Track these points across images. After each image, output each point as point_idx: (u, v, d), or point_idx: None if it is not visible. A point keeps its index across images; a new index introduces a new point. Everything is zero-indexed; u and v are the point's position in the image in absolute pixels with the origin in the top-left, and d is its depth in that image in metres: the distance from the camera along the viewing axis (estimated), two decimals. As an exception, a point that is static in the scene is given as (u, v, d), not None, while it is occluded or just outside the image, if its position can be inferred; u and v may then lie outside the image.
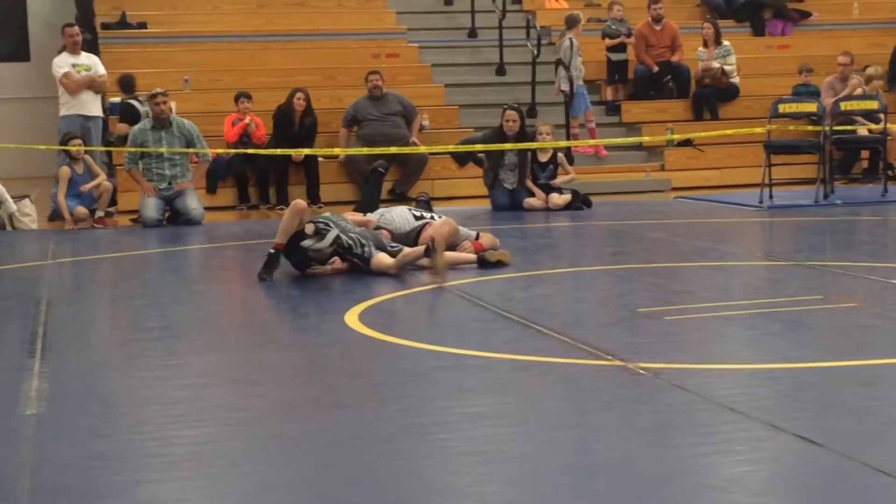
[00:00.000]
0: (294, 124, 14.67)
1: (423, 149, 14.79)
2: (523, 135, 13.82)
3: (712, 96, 16.95)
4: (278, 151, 14.03)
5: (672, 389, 5.35)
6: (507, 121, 13.76)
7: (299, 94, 14.65)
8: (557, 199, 13.54)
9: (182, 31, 17.59)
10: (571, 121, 16.04)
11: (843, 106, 14.30)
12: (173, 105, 13.72)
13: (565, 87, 15.96)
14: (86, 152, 13.33)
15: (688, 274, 9.06)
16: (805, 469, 4.31)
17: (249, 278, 8.79)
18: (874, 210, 12.96)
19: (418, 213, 9.86)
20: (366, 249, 8.78)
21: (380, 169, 14.41)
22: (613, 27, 17.14)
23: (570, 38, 16.19)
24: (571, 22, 16.40)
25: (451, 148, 14.83)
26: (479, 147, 14.08)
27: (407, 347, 6.45)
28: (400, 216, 9.73)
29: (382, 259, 8.74)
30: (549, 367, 5.90)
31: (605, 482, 4.24)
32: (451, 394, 5.49)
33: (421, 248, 8.66)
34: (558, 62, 16.16)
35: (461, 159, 14.87)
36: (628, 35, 17.12)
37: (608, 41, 17.03)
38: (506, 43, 17.63)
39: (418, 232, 9.52)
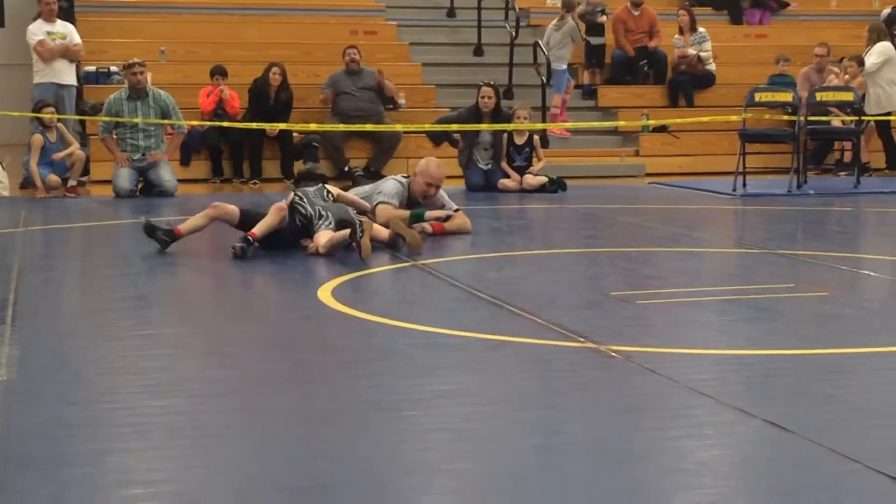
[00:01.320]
0: (269, 99, 14.63)
1: (398, 127, 14.78)
2: (499, 112, 13.85)
3: (688, 83, 17.00)
4: (253, 125, 14.00)
5: (643, 372, 5.37)
6: (483, 97, 13.78)
7: (275, 69, 14.61)
8: (532, 180, 13.56)
9: (159, 2, 17.51)
10: (554, 98, 16.10)
11: (819, 96, 14.35)
12: (149, 76, 13.64)
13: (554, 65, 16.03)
14: (59, 121, 13.25)
15: (660, 259, 9.08)
16: (774, 454, 4.33)
17: (222, 251, 8.77)
18: (846, 201, 13.03)
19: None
20: (321, 223, 8.73)
21: (314, 143, 14.47)
22: (589, 13, 17.13)
23: (571, 19, 16.19)
24: (571, 5, 16.40)
25: (426, 127, 14.82)
26: (454, 127, 14.07)
27: (379, 324, 6.45)
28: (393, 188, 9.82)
29: (318, 237, 8.69)
30: (522, 348, 5.91)
31: (575, 462, 4.25)
32: (424, 371, 5.49)
33: (346, 232, 8.56)
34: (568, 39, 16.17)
35: (436, 138, 14.86)
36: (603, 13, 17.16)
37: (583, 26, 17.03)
38: (484, 24, 17.63)
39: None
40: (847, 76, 15.71)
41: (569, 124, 15.93)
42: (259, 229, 8.70)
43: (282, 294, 7.85)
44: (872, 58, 15.43)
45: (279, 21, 17.43)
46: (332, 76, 15.19)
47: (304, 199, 8.87)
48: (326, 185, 9.20)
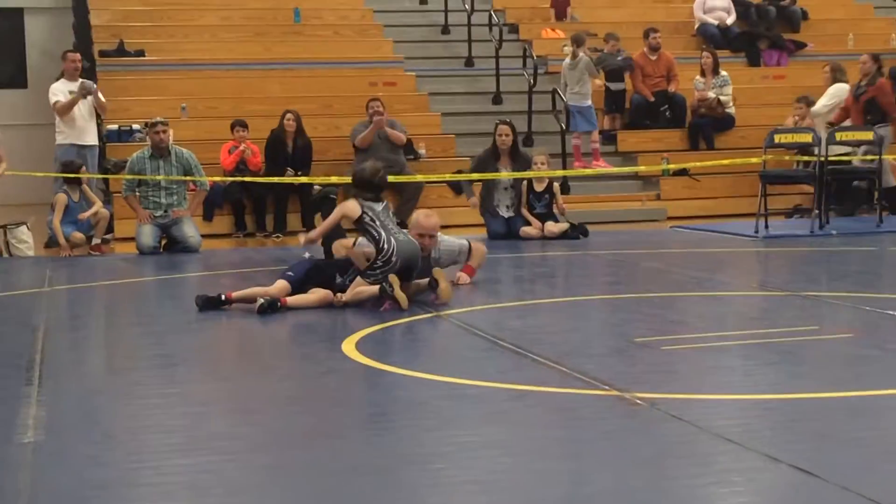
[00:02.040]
0: (287, 147, 14.75)
1: (419, 177, 14.84)
2: (517, 151, 13.96)
3: (708, 126, 17.02)
4: (275, 179, 14.08)
5: (669, 420, 5.37)
6: (500, 135, 13.89)
7: (288, 115, 14.80)
8: (553, 227, 13.58)
9: (180, 59, 17.65)
10: (586, 136, 16.16)
11: (839, 136, 14.36)
12: (171, 133, 13.76)
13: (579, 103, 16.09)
14: (82, 181, 13.35)
15: (684, 304, 9.08)
16: (801, 500, 4.32)
17: (246, 308, 8.79)
18: (868, 241, 12.99)
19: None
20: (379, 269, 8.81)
21: (331, 196, 14.52)
22: (608, 60, 17.17)
23: (584, 55, 16.25)
24: (581, 40, 16.44)
25: (447, 176, 14.88)
26: (475, 176, 14.11)
27: (404, 376, 6.47)
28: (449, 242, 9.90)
29: (355, 287, 8.81)
30: (546, 397, 5.91)
31: (602, 513, 4.25)
32: (448, 423, 5.50)
33: (375, 289, 8.66)
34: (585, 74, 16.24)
35: (458, 188, 14.92)
36: (630, 70, 17.20)
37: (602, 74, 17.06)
38: (502, 72, 17.72)
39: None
40: (796, 117, 15.74)
41: (588, 171, 15.96)
42: (293, 301, 8.72)
43: (307, 348, 7.87)
44: (824, 99, 15.42)
45: (299, 75, 17.56)
46: (356, 127, 15.27)
47: (376, 221, 8.84)
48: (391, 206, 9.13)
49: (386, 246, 8.75)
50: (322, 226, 9.24)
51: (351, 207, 8.92)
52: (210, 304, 8.80)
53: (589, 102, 16.23)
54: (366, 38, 18.92)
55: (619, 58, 17.31)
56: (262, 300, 8.63)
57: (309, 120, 15.36)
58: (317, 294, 8.81)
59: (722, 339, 7.36)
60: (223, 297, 8.84)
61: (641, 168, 16.01)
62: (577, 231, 13.51)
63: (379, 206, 8.98)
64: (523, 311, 8.85)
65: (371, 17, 19.57)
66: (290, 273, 8.98)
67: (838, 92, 15.44)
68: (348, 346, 7.23)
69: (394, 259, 8.73)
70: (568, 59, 16.42)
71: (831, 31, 20.31)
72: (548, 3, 20.17)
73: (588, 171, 15.98)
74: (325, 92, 17.03)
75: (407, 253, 8.83)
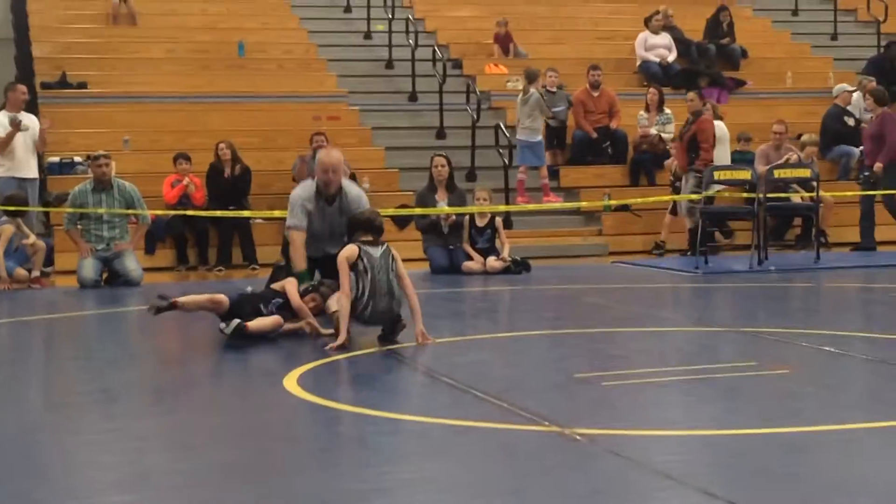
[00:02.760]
0: (223, 176, 14.75)
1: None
2: (452, 182, 14.07)
3: (649, 162, 17.18)
4: (218, 213, 14.05)
5: (608, 456, 5.40)
6: (436, 166, 13.98)
7: (222, 145, 14.85)
8: (495, 262, 13.63)
9: (122, 92, 17.62)
10: (534, 171, 16.25)
11: (777, 174, 14.57)
12: (113, 166, 13.69)
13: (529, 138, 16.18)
14: (20, 214, 13.25)
15: (624, 339, 9.14)
16: (738, 536, 4.36)
17: (188, 341, 8.77)
18: (807, 277, 13.15)
19: None
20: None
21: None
22: (547, 98, 17.28)
23: (535, 91, 16.36)
24: (533, 76, 16.57)
25: (390, 211, 14.88)
26: (418, 211, 14.16)
27: (345, 412, 6.47)
28: None
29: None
30: (487, 433, 5.92)
31: (541, 549, 4.26)
32: (389, 459, 5.50)
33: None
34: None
35: (401, 222, 14.95)
36: (568, 106, 17.35)
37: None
38: (446, 107, 17.81)
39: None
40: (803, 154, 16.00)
41: (531, 206, 16.05)
42: (254, 326, 8.69)
43: (248, 383, 7.84)
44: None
45: (243, 108, 17.57)
46: (297, 161, 15.28)
47: (367, 273, 8.61)
48: (392, 249, 8.89)
49: (362, 303, 8.55)
50: (342, 287, 8.68)
51: (350, 251, 8.65)
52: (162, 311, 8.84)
53: (539, 138, 16.38)
54: (310, 73, 18.97)
55: (563, 96, 17.46)
56: (233, 324, 8.57)
57: (252, 153, 15.38)
58: (273, 322, 8.79)
59: (662, 375, 7.42)
60: (171, 302, 8.84)
61: (583, 204, 16.12)
62: (519, 266, 13.57)
63: (377, 252, 8.70)
64: (465, 347, 8.86)
65: (315, 51, 19.63)
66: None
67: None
68: (289, 382, 7.21)
69: (366, 316, 8.63)
70: (520, 95, 16.54)
71: (770, 70, 20.61)
72: (491, 39, 20.32)
73: (530, 207, 16.07)
74: (269, 125, 17.05)
75: (379, 318, 8.70)
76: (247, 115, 17.40)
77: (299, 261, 9.48)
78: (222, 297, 8.91)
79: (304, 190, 9.81)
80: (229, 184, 14.79)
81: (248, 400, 7.18)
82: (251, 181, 15.04)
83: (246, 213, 14.39)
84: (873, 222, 15.52)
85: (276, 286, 9.29)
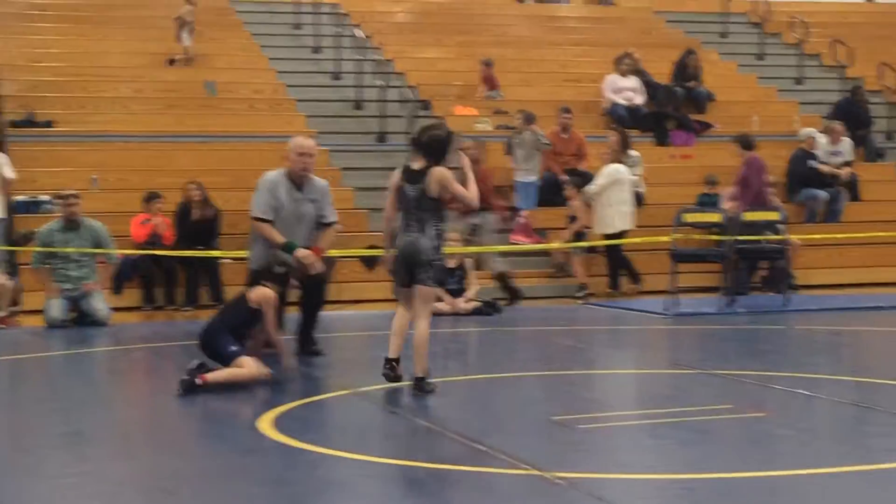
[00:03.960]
0: (193, 217, 14.70)
1: (331, 252, 14.79)
2: None
3: (618, 204, 17.20)
4: (186, 253, 13.98)
5: (590, 499, 5.38)
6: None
7: (192, 186, 14.78)
8: (465, 303, 13.61)
9: (90, 130, 17.53)
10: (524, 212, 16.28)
11: (747, 216, 14.63)
12: (80, 205, 13.61)
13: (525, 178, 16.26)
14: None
15: (599, 382, 9.15)
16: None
17: (158, 382, 8.70)
18: (777, 319, 13.19)
19: None
20: None
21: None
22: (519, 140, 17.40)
23: (528, 131, 16.45)
24: (531, 118, 16.67)
25: (360, 251, 14.89)
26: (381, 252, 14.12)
27: (322, 455, 6.42)
28: None
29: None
30: (465, 476, 5.89)
31: None
32: (367, 502, 5.46)
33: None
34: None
35: (370, 262, 14.92)
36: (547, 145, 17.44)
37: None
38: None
39: None
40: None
41: (501, 247, 16.05)
42: (213, 377, 8.54)
43: (222, 425, 7.77)
44: (600, 179, 15.72)
45: (212, 148, 17.52)
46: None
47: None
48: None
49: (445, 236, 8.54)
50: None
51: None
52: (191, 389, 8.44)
53: (534, 178, 16.44)
54: (279, 113, 18.95)
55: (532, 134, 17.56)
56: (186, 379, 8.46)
57: (221, 193, 15.31)
58: (246, 370, 8.68)
59: (637, 418, 7.42)
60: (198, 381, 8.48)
61: (553, 246, 16.13)
62: (489, 308, 13.56)
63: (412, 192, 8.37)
64: (439, 389, 8.82)
65: (284, 91, 19.62)
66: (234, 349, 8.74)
67: (612, 172, 15.69)
68: (265, 424, 7.16)
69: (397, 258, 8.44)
70: (516, 137, 16.65)
71: (736, 113, 20.73)
72: (460, 81, 20.40)
73: (500, 248, 16.07)
74: (238, 165, 16.98)
75: (403, 252, 8.43)
76: (216, 154, 17.35)
77: (277, 237, 9.93)
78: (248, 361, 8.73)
79: (273, 175, 10.08)
80: (199, 224, 14.73)
81: (224, 443, 7.10)
82: (220, 222, 14.98)
83: (215, 254, 14.32)
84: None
85: (254, 300, 9.02)
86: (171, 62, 19.75)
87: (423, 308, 8.31)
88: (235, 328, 8.76)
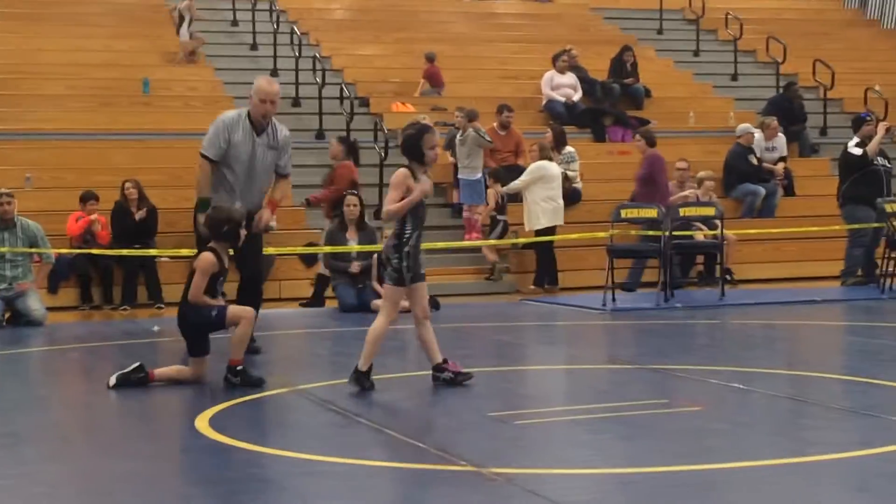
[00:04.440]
0: (131, 216, 14.59)
1: (270, 250, 14.75)
2: (364, 223, 14.11)
3: (554, 200, 17.27)
4: (123, 252, 13.88)
5: (526, 495, 5.41)
6: (348, 205, 14.00)
7: (128, 184, 14.68)
8: (403, 301, 13.57)
9: (24, 129, 17.38)
10: (473, 208, 16.21)
11: (683, 212, 14.75)
12: (15, 204, 13.48)
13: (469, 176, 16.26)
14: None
15: (536, 377, 9.18)
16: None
17: (94, 382, 8.62)
18: (713, 314, 13.30)
19: None
20: None
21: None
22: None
23: (471, 129, 16.46)
24: (473, 115, 16.67)
25: (298, 249, 14.85)
26: (326, 249, 14.12)
27: (259, 453, 6.40)
28: None
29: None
30: (404, 473, 5.91)
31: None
32: (305, 501, 5.45)
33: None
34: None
35: (309, 260, 14.89)
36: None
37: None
38: (360, 148, 17.76)
39: None
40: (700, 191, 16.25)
41: (440, 244, 16.07)
42: (160, 374, 8.52)
43: (159, 425, 7.74)
44: (524, 176, 15.85)
45: (147, 146, 17.41)
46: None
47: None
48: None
49: (408, 238, 8.34)
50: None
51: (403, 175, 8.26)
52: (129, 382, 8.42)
53: (479, 176, 16.44)
54: (216, 110, 18.68)
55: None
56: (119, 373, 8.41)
57: (157, 191, 15.22)
58: (189, 371, 8.62)
59: (575, 413, 7.45)
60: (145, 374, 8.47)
61: (491, 242, 16.17)
62: (428, 305, 13.53)
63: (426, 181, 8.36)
64: (377, 386, 8.82)
65: (221, 88, 19.54)
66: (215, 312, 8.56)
67: (537, 170, 15.80)
68: (202, 423, 7.13)
69: (411, 255, 8.38)
70: (458, 135, 16.64)
71: (672, 109, 20.90)
72: (398, 78, 20.41)
73: (440, 245, 16.09)
74: (174, 163, 16.88)
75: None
76: (152, 152, 17.23)
77: (204, 186, 9.58)
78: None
79: (232, 115, 9.67)
80: (136, 223, 14.62)
81: (160, 442, 7.08)
82: (158, 220, 14.89)
83: (152, 252, 14.23)
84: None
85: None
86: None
87: (384, 305, 8.57)
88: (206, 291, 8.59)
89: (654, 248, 14.48)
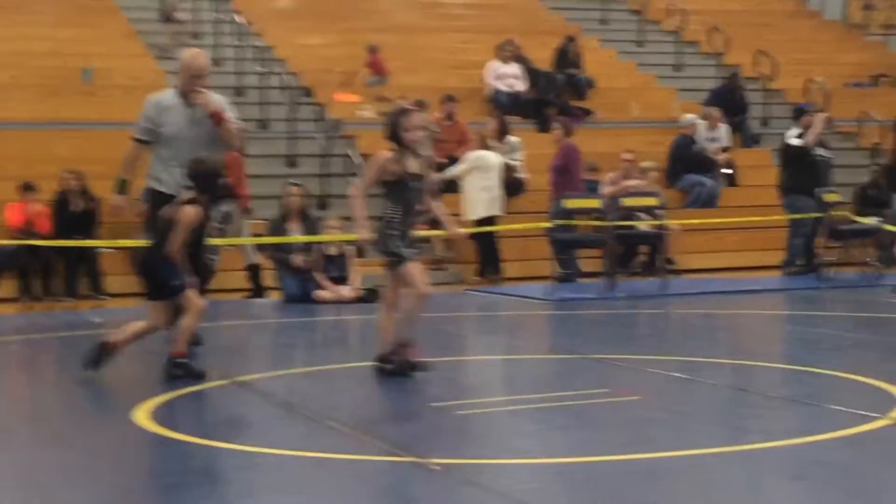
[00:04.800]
0: (72, 207, 14.48)
1: (213, 241, 14.67)
2: (307, 213, 14.07)
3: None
4: (65, 242, 13.76)
5: (466, 485, 5.42)
6: (289, 195, 13.98)
7: (69, 175, 14.56)
8: (347, 291, 13.60)
9: (-36, 118, 17.16)
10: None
11: (625, 202, 14.82)
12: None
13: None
14: None
15: (478, 367, 9.20)
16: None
17: (35, 374, 8.55)
18: (655, 304, 13.38)
19: None
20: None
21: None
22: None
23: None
24: (421, 105, 16.64)
25: (242, 241, 14.76)
26: (270, 239, 14.07)
27: (199, 445, 6.37)
28: None
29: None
30: (344, 465, 5.89)
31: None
32: (244, 494, 5.44)
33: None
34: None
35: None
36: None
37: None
38: (297, 135, 17.72)
39: None
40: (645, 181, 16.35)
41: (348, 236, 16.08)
42: (117, 338, 8.37)
43: (98, 417, 7.69)
44: (461, 164, 15.95)
45: (89, 136, 17.22)
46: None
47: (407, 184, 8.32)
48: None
49: (397, 221, 8.24)
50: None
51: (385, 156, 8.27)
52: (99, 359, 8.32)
53: None
54: (158, 99, 18.68)
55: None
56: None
57: (100, 182, 15.05)
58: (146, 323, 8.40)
59: (516, 403, 7.47)
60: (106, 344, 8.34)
61: (440, 232, 16.13)
62: (372, 295, 13.55)
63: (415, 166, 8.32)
64: (319, 377, 8.82)
65: (164, 78, 19.35)
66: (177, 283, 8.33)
67: (473, 158, 15.88)
68: (141, 414, 7.08)
69: (404, 236, 8.28)
70: None
71: (616, 99, 20.97)
72: (342, 68, 20.36)
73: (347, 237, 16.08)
74: (116, 153, 16.53)
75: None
76: (94, 142, 17.05)
77: (125, 168, 9.59)
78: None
79: (160, 96, 9.41)
80: (77, 215, 14.49)
81: (98, 435, 7.02)
82: (99, 211, 14.76)
83: (93, 243, 14.11)
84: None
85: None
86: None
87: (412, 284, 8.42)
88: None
89: (596, 238, 14.53)
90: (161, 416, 7.10)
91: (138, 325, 8.44)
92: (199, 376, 8.27)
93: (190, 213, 8.31)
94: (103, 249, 14.46)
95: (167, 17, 20.78)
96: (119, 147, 16.71)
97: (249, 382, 8.26)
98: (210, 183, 8.44)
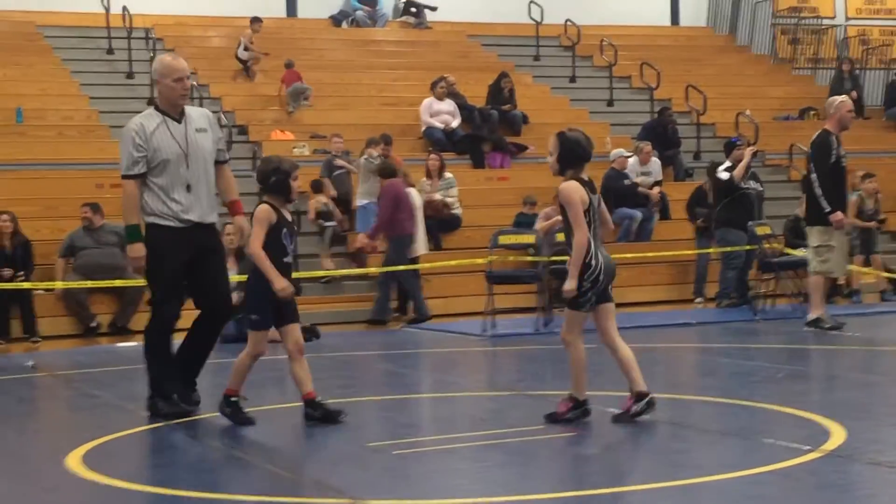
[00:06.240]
0: (4, 248, 14.35)
1: (143, 281, 14.57)
2: (242, 250, 14.02)
3: (435, 227, 17.35)
4: (-3, 285, 13.62)
5: (402, 527, 5.41)
6: (227, 234, 13.92)
7: (3, 217, 14.42)
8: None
9: None
10: (361, 237, 16.05)
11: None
12: None
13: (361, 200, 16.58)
14: None
15: (415, 406, 9.19)
16: None
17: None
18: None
19: None
20: None
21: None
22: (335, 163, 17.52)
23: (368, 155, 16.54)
24: (373, 142, 16.75)
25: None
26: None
27: (135, 492, 6.31)
28: None
29: None
30: (279, 508, 5.87)
31: None
32: (180, 539, 5.40)
33: None
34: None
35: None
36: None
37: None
38: (233, 174, 17.62)
39: None
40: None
41: (320, 272, 16.05)
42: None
43: (28, 463, 7.58)
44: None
45: (21, 176, 17.12)
46: (71, 234, 14.96)
47: (592, 221, 7.82)
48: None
49: (594, 261, 7.79)
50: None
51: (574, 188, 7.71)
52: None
53: (367, 201, 16.42)
54: (91, 139, 18.62)
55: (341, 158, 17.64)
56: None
57: (31, 223, 14.98)
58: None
59: (453, 442, 7.46)
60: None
61: (372, 270, 16.16)
62: (309, 333, 13.49)
63: (595, 199, 7.85)
64: (254, 418, 8.76)
65: (97, 117, 19.29)
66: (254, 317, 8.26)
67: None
68: (73, 460, 7.00)
69: (601, 278, 7.85)
70: (362, 159, 16.71)
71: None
72: (277, 106, 20.37)
73: (319, 273, 16.06)
74: (49, 194, 16.63)
75: (611, 270, 7.88)
76: (26, 183, 16.95)
77: (130, 212, 8.29)
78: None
79: (139, 119, 8.27)
80: (9, 256, 14.35)
81: (28, 481, 6.88)
82: (32, 253, 14.63)
83: (26, 285, 13.98)
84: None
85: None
86: None
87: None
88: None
89: (531, 274, 14.60)
90: (94, 460, 7.02)
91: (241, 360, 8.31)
92: (243, 422, 8.00)
93: (264, 209, 8.07)
94: (37, 291, 14.33)
95: None
96: (50, 188, 16.79)
97: (185, 424, 8.20)
98: (282, 185, 8.17)
